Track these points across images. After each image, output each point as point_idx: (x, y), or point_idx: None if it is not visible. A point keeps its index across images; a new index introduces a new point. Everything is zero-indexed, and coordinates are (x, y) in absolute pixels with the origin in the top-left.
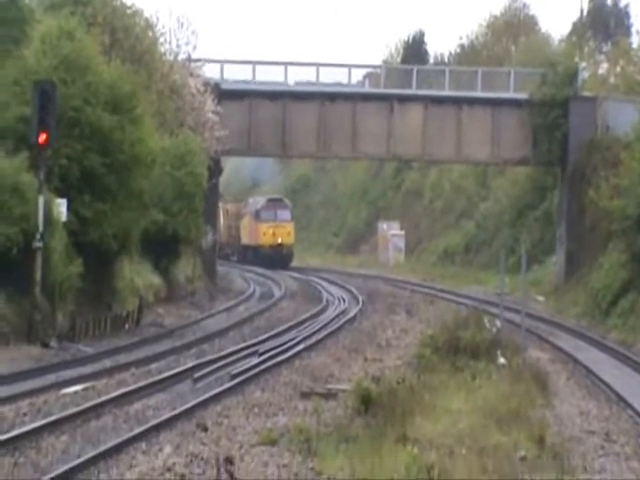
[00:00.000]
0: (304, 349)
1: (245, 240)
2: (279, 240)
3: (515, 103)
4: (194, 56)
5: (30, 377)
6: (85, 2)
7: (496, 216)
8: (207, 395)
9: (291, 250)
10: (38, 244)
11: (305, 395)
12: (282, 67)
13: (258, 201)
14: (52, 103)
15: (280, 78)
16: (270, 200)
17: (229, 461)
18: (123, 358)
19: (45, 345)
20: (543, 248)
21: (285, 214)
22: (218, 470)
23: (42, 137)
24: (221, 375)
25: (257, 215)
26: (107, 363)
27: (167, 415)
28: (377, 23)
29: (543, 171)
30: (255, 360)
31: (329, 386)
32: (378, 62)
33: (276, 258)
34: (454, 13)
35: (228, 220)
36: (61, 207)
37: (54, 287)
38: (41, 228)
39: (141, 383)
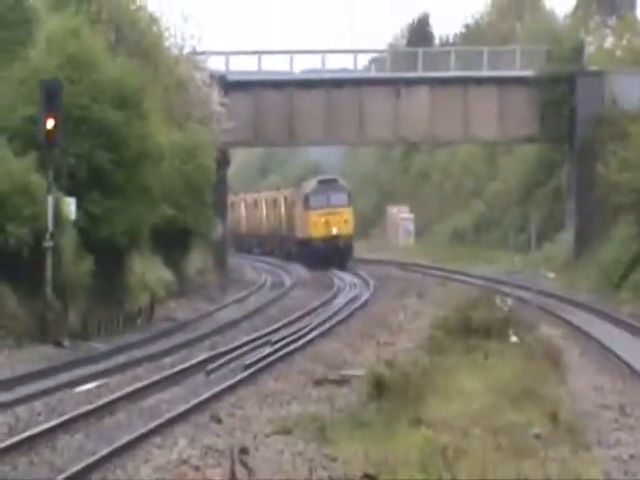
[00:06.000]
0: (316, 336)
1: (299, 233)
2: (334, 231)
3: (521, 81)
4: (199, 49)
5: (44, 377)
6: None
7: (505, 195)
8: (220, 387)
9: (350, 243)
10: (48, 244)
11: (318, 382)
12: (287, 56)
13: (308, 184)
14: (58, 102)
15: (286, 67)
16: (321, 182)
17: (244, 451)
18: (136, 354)
19: (58, 344)
20: (553, 225)
21: (340, 197)
22: (232, 461)
23: (50, 123)
24: (234, 366)
25: (306, 201)
26: (120, 359)
27: (181, 408)
28: (382, 7)
29: (551, 148)
30: (268, 349)
31: (342, 372)
32: (383, 46)
33: (330, 254)
34: None
35: (287, 209)
36: (70, 206)
37: (65, 286)
38: (51, 227)
39: (154, 378)
